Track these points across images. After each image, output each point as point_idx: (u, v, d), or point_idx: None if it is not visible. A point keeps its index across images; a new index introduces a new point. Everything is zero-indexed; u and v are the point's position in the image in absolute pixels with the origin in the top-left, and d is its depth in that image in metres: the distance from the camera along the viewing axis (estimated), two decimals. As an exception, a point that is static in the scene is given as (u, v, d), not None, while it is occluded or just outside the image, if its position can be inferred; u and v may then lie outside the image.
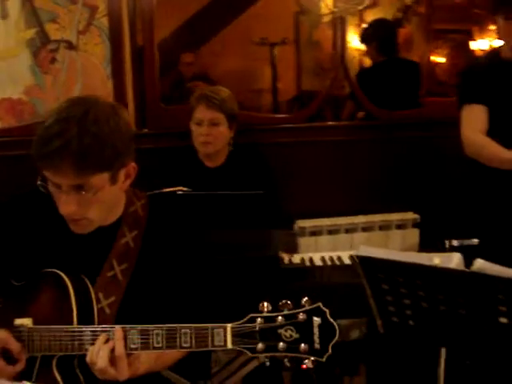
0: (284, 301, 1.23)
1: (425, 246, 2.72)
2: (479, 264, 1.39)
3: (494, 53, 2.29)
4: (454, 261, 1.45)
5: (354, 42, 5.81)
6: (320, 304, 1.21)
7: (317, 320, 1.20)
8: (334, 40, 2.76)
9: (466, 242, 2.03)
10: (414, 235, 2.77)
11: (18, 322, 1.43)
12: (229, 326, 1.24)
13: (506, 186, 2.13)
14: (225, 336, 1.23)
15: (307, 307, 1.21)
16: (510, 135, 2.11)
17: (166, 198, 1.67)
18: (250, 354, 1.22)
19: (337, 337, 1.19)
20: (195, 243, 1.55)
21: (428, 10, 5.01)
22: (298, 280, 2.05)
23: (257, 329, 1.21)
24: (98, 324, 1.40)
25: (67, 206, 1.34)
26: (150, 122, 2.67)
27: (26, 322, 1.43)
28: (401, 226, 2.76)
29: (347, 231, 2.70)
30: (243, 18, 5.29)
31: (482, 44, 6.08)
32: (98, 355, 1.29)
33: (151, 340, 1.28)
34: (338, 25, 2.68)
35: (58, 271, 1.43)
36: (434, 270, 1.43)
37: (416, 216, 2.74)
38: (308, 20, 6.05)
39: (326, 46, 6.30)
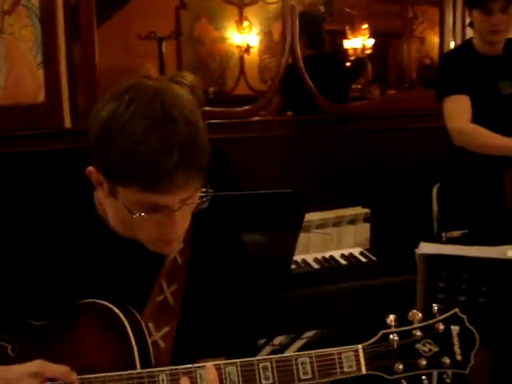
0: (413, 311, 1.08)
1: (377, 239, 2.71)
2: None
3: (466, 45, 2.34)
4: (527, 252, 1.41)
5: (234, 38, 5.74)
6: (457, 310, 1.08)
7: (455, 329, 1.06)
8: (283, 30, 2.62)
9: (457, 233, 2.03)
10: (365, 230, 2.76)
11: (50, 372, 1.10)
12: (359, 347, 1.05)
13: (495, 173, 2.17)
14: (357, 360, 1.04)
15: (442, 316, 1.07)
16: (487, 125, 2.15)
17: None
18: (387, 377, 1.05)
19: (478, 344, 1.07)
20: (241, 249, 1.33)
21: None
22: (304, 285, 1.87)
23: (394, 347, 1.04)
24: (154, 362, 1.13)
25: (178, 227, 1.07)
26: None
27: (62, 371, 1.10)
28: (353, 221, 2.73)
29: (302, 229, 2.61)
30: (124, 12, 4.96)
31: (354, 42, 6.36)
32: None
33: (257, 375, 1.04)
34: (288, 15, 2.55)
35: (103, 301, 1.13)
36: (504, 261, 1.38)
37: (367, 210, 2.73)
38: (189, 15, 5.87)
39: (208, 41, 6.18)
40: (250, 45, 5.66)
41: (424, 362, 1.05)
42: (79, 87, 2.28)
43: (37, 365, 1.05)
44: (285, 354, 1.05)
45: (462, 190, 2.25)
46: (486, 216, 2.15)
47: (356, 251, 2.23)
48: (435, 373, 1.06)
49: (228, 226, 1.32)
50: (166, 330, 1.18)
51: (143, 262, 1.18)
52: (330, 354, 1.05)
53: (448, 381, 1.06)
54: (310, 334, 1.91)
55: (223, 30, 5.80)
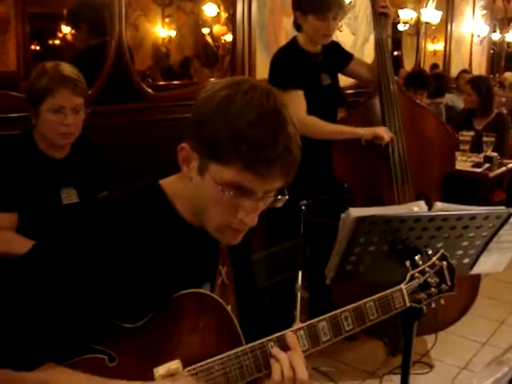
0: (418, 255, 1.45)
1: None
2: (440, 205, 1.88)
3: (293, 43, 2.69)
4: (424, 207, 1.89)
5: None
6: (443, 251, 1.48)
7: (444, 263, 1.46)
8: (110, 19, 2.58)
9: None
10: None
11: (161, 371, 1.12)
12: (402, 287, 1.37)
13: (326, 153, 2.62)
14: (402, 297, 1.36)
15: (437, 255, 1.46)
16: (314, 113, 2.59)
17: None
18: (418, 306, 1.39)
19: (455, 272, 1.49)
20: None
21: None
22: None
23: (421, 282, 1.39)
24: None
25: (255, 215, 1.13)
26: None
27: (174, 366, 1.13)
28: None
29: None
30: None
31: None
32: (296, 366, 1.17)
33: (342, 325, 1.27)
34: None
35: (200, 290, 1.18)
36: (419, 216, 1.82)
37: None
38: None
39: None
40: (-34, 27, 5.08)
41: (434, 290, 1.43)
42: None
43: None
44: (359, 303, 1.29)
45: (299, 169, 2.66)
46: (323, 187, 2.62)
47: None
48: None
49: None
50: (228, 308, 1.28)
51: (208, 250, 1.26)
52: (385, 296, 1.34)
53: (442, 302, 1.46)
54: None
55: None
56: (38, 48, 4.56)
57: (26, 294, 1.05)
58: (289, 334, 1.21)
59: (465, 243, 1.86)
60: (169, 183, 1.21)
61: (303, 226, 2.38)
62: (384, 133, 2.56)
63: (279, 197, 1.14)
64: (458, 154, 3.85)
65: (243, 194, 1.09)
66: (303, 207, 2.38)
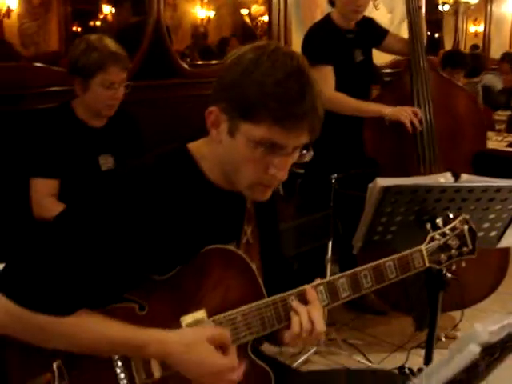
0: (439, 218, 1.49)
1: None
2: (466, 177, 1.90)
3: (326, 19, 2.73)
4: (450, 178, 1.91)
5: None
6: (464, 214, 1.51)
7: (466, 227, 1.50)
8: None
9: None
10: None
11: (188, 319, 1.19)
12: (422, 248, 1.41)
13: (358, 130, 2.66)
14: (422, 257, 1.40)
15: (459, 219, 1.49)
16: (346, 88, 2.62)
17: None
18: (437, 267, 1.43)
19: (477, 235, 1.52)
20: None
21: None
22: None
23: (441, 244, 1.43)
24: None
25: (285, 170, 1.18)
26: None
27: (200, 315, 1.20)
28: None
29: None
30: None
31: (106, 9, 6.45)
32: (314, 319, 1.23)
33: (361, 282, 1.32)
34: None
35: (225, 246, 1.25)
36: (444, 186, 1.85)
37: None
38: None
39: None
40: (10, 8, 5.26)
41: (455, 252, 1.47)
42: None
43: (211, 330, 1.16)
44: (377, 262, 1.34)
45: (331, 144, 2.70)
46: (354, 162, 2.65)
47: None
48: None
49: None
50: (253, 267, 1.35)
51: (234, 210, 1.32)
52: (405, 256, 1.38)
53: (463, 265, 1.50)
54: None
55: (-22, -11, 5.24)
56: (79, 29, 4.69)
57: (62, 244, 1.12)
58: (308, 289, 1.27)
59: (491, 216, 1.88)
60: (197, 146, 1.27)
61: (333, 198, 2.43)
62: (406, 118, 2.54)
63: (304, 151, 1.20)
64: (493, 133, 3.82)
65: (274, 150, 1.14)
66: (333, 180, 2.43)
